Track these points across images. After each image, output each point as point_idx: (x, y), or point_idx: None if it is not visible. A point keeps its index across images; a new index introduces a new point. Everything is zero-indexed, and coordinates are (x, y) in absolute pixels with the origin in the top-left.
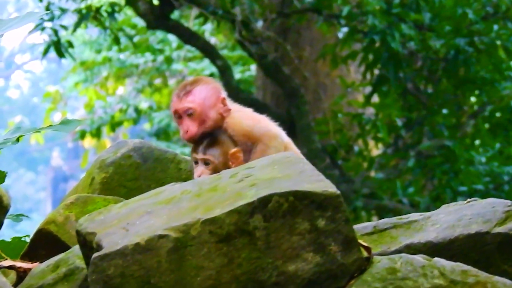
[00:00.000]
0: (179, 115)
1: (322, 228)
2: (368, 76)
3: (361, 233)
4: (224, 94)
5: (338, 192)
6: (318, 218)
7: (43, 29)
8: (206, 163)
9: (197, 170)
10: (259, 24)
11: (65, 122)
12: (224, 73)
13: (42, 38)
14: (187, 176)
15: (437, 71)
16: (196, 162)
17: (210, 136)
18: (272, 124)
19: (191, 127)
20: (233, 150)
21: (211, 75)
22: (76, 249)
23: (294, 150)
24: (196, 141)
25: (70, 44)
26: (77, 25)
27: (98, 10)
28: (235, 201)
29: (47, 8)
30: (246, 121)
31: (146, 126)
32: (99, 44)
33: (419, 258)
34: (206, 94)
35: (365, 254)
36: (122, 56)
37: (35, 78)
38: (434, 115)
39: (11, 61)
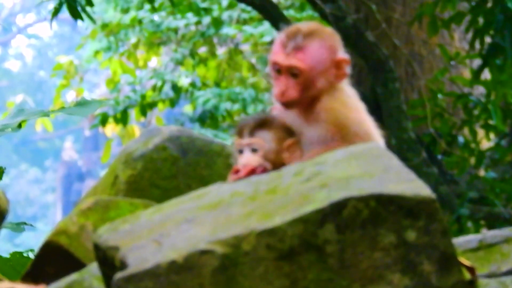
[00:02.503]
0: (279, 70)
1: (413, 242)
2: (478, 45)
3: (463, 249)
4: (342, 54)
5: (434, 195)
6: (407, 229)
7: None
8: (253, 149)
9: (242, 160)
10: None
11: (81, 103)
12: None
13: None
14: None
15: None
16: (241, 151)
17: (259, 115)
18: (369, 119)
19: (291, 90)
20: (290, 140)
21: (272, 42)
22: (93, 267)
23: None
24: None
25: (89, 1)
26: None
27: None
28: (300, 207)
29: None
30: (344, 109)
31: (187, 108)
32: (127, 1)
33: None
34: (321, 55)
35: (467, 276)
36: (156, 17)
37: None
38: None
39: (10, 22)
